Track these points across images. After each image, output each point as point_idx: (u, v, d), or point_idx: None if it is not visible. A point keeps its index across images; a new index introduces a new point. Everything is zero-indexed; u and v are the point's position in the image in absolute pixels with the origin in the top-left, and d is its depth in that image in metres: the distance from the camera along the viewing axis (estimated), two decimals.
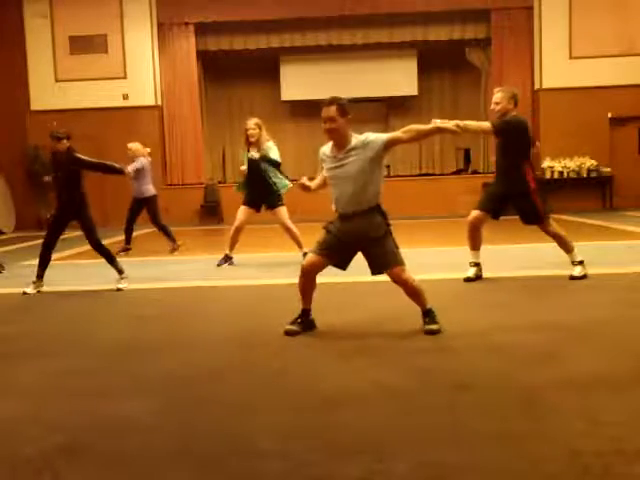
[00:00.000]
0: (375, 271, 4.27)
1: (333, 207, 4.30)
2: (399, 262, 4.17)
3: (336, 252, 4.25)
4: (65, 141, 6.17)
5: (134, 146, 9.16)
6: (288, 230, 7.45)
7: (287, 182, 7.46)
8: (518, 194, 5.79)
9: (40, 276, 6.24)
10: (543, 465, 2.38)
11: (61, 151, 6.20)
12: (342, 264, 4.33)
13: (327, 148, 4.31)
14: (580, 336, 4.07)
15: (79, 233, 6.43)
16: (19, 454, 2.65)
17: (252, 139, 7.33)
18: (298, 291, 4.35)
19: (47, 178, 6.82)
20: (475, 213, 5.98)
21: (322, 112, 4.15)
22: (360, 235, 4.17)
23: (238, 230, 7.51)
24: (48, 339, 4.55)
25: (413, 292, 4.24)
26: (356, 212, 4.16)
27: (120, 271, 6.29)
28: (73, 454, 2.63)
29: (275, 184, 7.35)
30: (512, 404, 2.97)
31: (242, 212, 7.51)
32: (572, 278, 5.78)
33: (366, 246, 4.20)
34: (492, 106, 5.91)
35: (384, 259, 4.17)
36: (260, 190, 7.38)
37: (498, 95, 5.85)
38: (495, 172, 6.09)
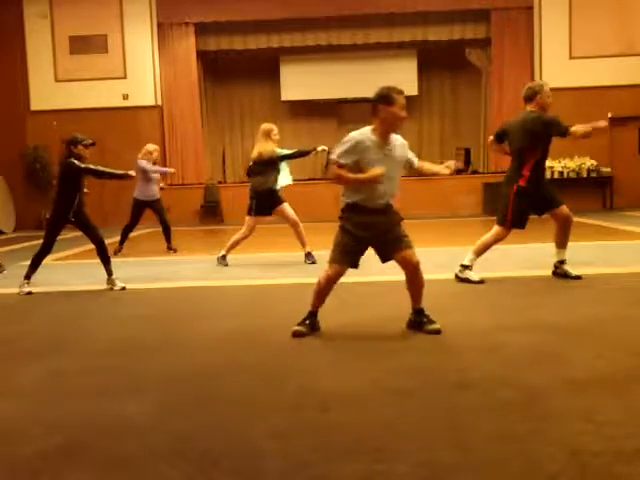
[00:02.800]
0: (390, 253, 4.22)
1: (361, 199, 4.12)
2: (413, 246, 4.22)
3: (356, 254, 4.23)
4: (79, 147, 6.17)
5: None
6: (295, 226, 7.43)
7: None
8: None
9: (29, 277, 6.23)
10: (543, 465, 2.38)
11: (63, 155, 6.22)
12: (357, 264, 4.31)
13: (368, 135, 4.12)
14: (580, 336, 4.07)
15: (79, 233, 6.42)
16: (19, 454, 2.65)
17: (277, 143, 7.38)
18: (314, 294, 4.29)
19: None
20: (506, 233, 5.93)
21: (400, 99, 4.12)
22: (384, 227, 4.18)
23: (246, 238, 7.53)
24: (48, 339, 4.55)
25: (420, 280, 4.24)
26: (388, 206, 4.20)
27: (110, 273, 6.29)
28: (73, 454, 2.63)
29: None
30: (512, 404, 2.97)
31: (253, 222, 7.46)
32: (574, 277, 5.78)
33: (384, 233, 4.20)
34: (550, 100, 5.78)
35: (401, 240, 4.18)
36: (272, 193, 7.42)
37: None
38: (537, 172, 5.90)
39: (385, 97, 4.11)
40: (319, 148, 7.65)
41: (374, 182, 4.02)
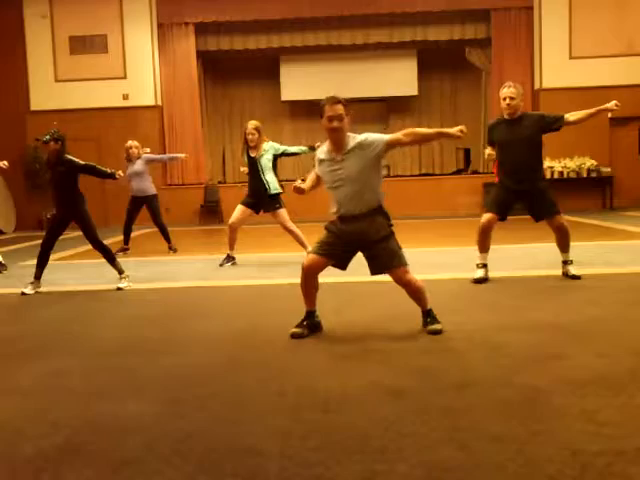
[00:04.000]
0: (375, 272, 4.24)
1: (333, 210, 4.21)
2: (402, 263, 4.15)
3: (336, 252, 4.21)
4: (53, 143, 6.16)
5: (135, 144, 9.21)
6: (290, 232, 7.47)
7: (278, 186, 7.48)
8: (536, 190, 5.83)
9: (38, 277, 6.23)
10: (543, 465, 2.38)
11: (53, 153, 6.21)
12: (342, 264, 4.29)
13: (322, 149, 4.24)
14: (580, 336, 4.07)
15: (79, 233, 6.43)
16: (19, 454, 2.65)
17: (251, 143, 7.38)
18: (301, 292, 4.32)
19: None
20: (487, 216, 5.93)
21: (327, 110, 4.00)
22: (362, 237, 4.13)
23: (233, 229, 7.53)
24: (48, 339, 4.55)
25: (415, 293, 4.23)
26: (358, 214, 4.10)
27: (120, 271, 6.30)
28: (73, 454, 2.63)
29: (267, 182, 7.37)
30: (512, 404, 2.97)
31: (238, 211, 7.53)
32: (573, 277, 5.79)
33: (368, 247, 4.17)
34: (507, 101, 5.71)
35: (386, 260, 4.14)
36: (258, 192, 7.41)
37: (513, 90, 5.73)
38: (509, 171, 5.86)
39: (320, 109, 4.10)
40: (317, 145, 7.75)
41: (298, 193, 4.29)
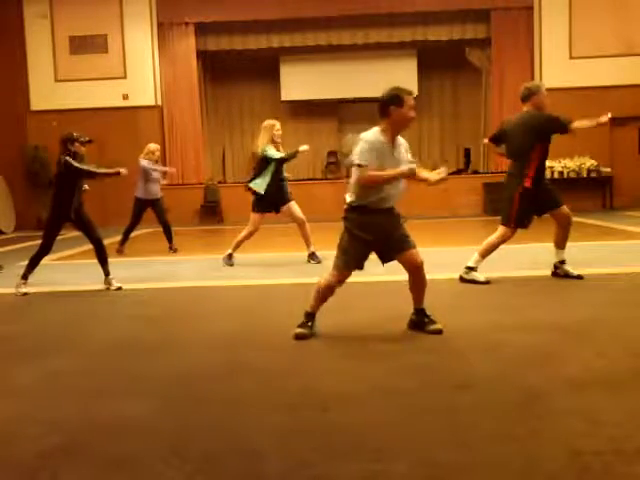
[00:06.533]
0: (391, 256, 4.22)
1: (373, 200, 4.07)
2: (416, 246, 4.23)
3: (363, 259, 4.22)
4: (76, 144, 6.15)
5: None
6: (303, 225, 7.44)
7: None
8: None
9: (26, 277, 6.23)
10: (543, 465, 2.38)
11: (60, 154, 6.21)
12: (363, 266, 4.30)
13: (379, 137, 4.07)
14: (579, 336, 4.07)
15: (78, 233, 6.42)
16: (18, 454, 2.65)
17: (279, 140, 7.35)
18: (316, 296, 4.25)
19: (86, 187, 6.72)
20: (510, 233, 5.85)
21: (409, 100, 4.09)
22: (391, 227, 4.17)
23: (251, 235, 7.51)
24: (47, 339, 4.55)
25: (422, 281, 4.25)
26: (393, 207, 4.22)
27: (108, 273, 6.28)
28: (72, 454, 2.63)
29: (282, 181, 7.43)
30: (512, 404, 2.97)
31: (259, 219, 7.43)
32: (578, 277, 5.78)
33: (389, 237, 4.18)
34: (547, 100, 5.95)
35: (401, 242, 4.17)
36: (280, 190, 7.45)
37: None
38: (541, 172, 5.90)
39: (395, 98, 4.07)
40: (301, 148, 7.63)
41: (405, 177, 4.11)
